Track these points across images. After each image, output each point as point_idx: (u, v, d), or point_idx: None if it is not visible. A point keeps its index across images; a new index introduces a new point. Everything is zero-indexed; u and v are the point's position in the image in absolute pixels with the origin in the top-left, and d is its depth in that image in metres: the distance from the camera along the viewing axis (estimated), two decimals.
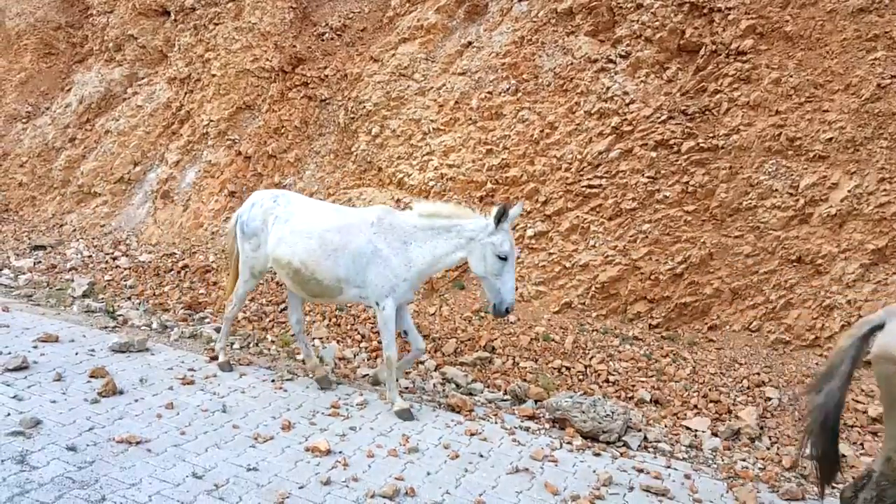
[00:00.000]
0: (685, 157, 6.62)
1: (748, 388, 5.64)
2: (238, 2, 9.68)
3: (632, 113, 6.85)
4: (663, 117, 6.75)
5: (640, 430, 4.95)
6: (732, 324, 6.34)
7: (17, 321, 6.21)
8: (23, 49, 12.06)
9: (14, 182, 10.80)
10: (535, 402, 5.33)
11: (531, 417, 5.07)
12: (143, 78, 10.66)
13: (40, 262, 8.38)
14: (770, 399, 5.49)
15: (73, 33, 12.23)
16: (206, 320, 6.77)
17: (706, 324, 6.41)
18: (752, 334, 6.24)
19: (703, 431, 5.08)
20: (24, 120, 11.49)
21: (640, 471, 4.35)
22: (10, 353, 5.21)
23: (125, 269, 8.09)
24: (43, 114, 11.45)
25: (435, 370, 5.91)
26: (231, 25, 9.56)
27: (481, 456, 4.33)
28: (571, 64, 7.31)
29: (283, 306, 7.06)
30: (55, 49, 12.14)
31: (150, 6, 10.83)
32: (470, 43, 7.98)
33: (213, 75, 9.44)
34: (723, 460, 4.69)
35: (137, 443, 4.05)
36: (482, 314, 6.73)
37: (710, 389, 5.63)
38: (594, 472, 4.23)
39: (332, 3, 9.74)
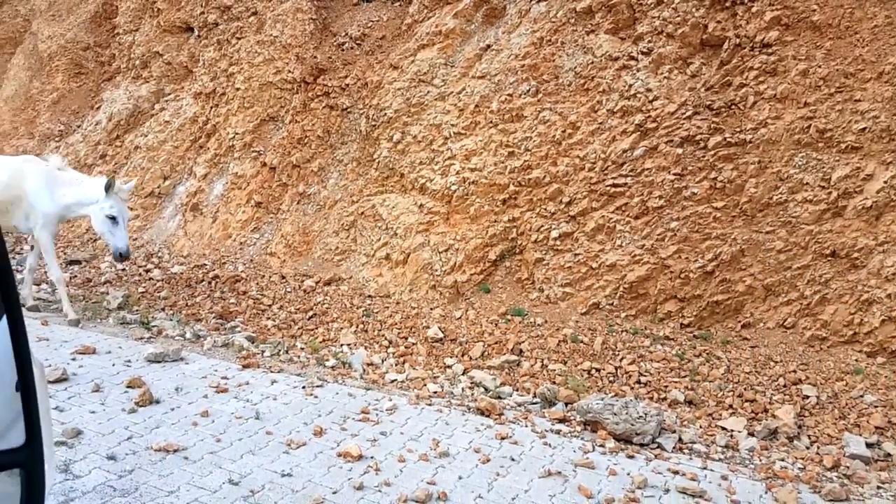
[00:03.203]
0: (712, 152, 6.54)
1: (784, 386, 5.53)
2: (259, 15, 9.81)
3: (655, 110, 6.79)
4: (688, 113, 6.68)
5: (674, 432, 4.88)
6: (766, 321, 6.23)
7: (56, 334, 6.35)
8: (54, 70, 12.36)
9: None
10: (566, 404, 5.29)
11: (562, 420, 5.03)
12: (169, 94, 10.85)
13: (76, 276, 8.55)
14: (808, 397, 5.37)
15: (102, 52, 12.50)
16: (238, 329, 6.85)
17: (739, 322, 6.30)
18: (787, 331, 6.12)
19: (739, 431, 4.99)
20: (56, 139, 11.76)
21: (676, 472, 4.28)
22: (50, 366, 5.32)
23: (158, 280, 8.22)
24: (74, 132, 11.71)
25: (463, 374, 5.91)
26: (253, 39, 9.69)
27: (512, 460, 4.31)
28: (592, 63, 7.26)
29: (310, 314, 7.12)
30: (85, 69, 12.42)
31: (174, 23, 11.03)
32: (489, 46, 7.99)
33: (238, 89, 9.57)
34: (760, 460, 4.60)
35: (175, 451, 4.11)
36: (508, 317, 6.71)
37: (745, 388, 5.54)
38: (628, 474, 4.19)
39: (350, 12, 9.83)
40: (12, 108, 12.51)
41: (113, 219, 6.58)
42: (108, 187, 6.55)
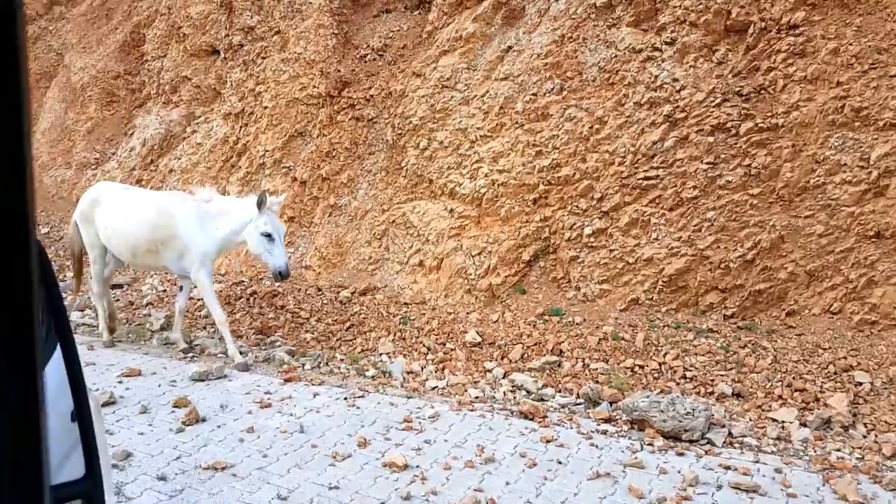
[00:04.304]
0: (744, 139, 6.41)
1: (835, 373, 5.38)
2: (282, 34, 9.94)
3: (683, 99, 6.68)
4: (717, 101, 6.56)
5: (723, 426, 4.78)
6: (812, 307, 6.07)
7: (102, 358, 6.50)
8: (87, 100, 12.69)
9: None
10: (610, 403, 5.22)
11: (608, 420, 4.97)
12: (199, 116, 11.05)
13: (118, 299, 8.75)
14: (861, 384, 5.22)
15: (132, 80, 12.79)
16: (278, 343, 6.92)
17: (784, 310, 6.15)
18: (834, 317, 5.95)
19: (791, 422, 4.87)
20: (93, 167, 12.07)
21: (728, 468, 4.20)
22: (97, 390, 5.45)
23: (198, 300, 8.36)
24: (109, 159, 12.00)
25: (503, 377, 5.88)
26: (278, 58, 9.82)
27: (560, 462, 4.27)
28: (616, 56, 7.19)
29: (348, 325, 7.16)
30: (116, 97, 12.73)
31: (200, 47, 11.24)
32: (510, 47, 7.96)
33: (265, 107, 9.71)
34: (815, 451, 4.48)
35: (223, 468, 4.17)
36: (546, 317, 6.66)
37: (794, 378, 5.40)
38: (679, 472, 4.11)
39: (371, 25, 9.89)
40: (49, 140, 12.88)
41: (269, 236, 6.19)
42: (261, 203, 6.19)
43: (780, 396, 5.24)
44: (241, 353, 6.45)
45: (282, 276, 6.24)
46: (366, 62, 9.55)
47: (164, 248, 6.50)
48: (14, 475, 0.79)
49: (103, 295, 7.16)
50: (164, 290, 8.83)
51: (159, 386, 5.72)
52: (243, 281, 8.65)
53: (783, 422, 4.90)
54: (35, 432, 0.81)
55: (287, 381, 5.81)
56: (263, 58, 10.12)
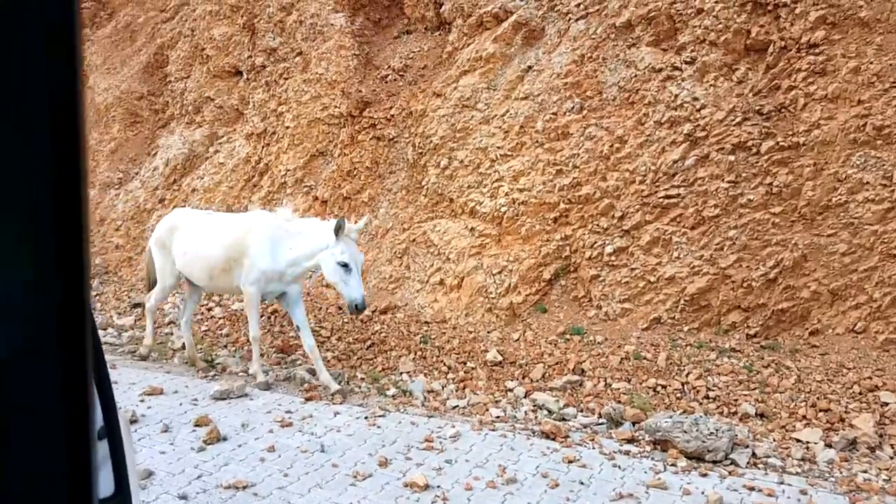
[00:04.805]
0: (765, 157, 6.39)
1: (860, 393, 5.31)
2: (304, 55, 10.10)
3: (704, 118, 6.69)
4: (738, 119, 6.56)
5: (747, 447, 4.73)
6: (835, 327, 6.01)
7: (124, 377, 6.56)
8: (111, 120, 12.93)
9: (111, 245, 11.51)
10: (633, 424, 5.19)
11: (630, 440, 4.93)
12: (222, 136, 11.22)
13: (140, 318, 8.85)
14: (887, 404, 5.14)
15: (155, 101, 13.03)
16: (298, 362, 6.96)
17: (807, 329, 6.09)
18: (858, 336, 5.88)
19: (816, 443, 4.81)
20: (116, 186, 12.27)
21: (752, 489, 4.15)
22: (120, 408, 5.50)
23: (220, 318, 8.44)
24: (133, 179, 12.20)
25: (525, 397, 5.86)
26: (300, 78, 9.97)
27: (582, 483, 4.24)
28: (636, 76, 7.22)
29: (368, 343, 7.19)
30: (140, 117, 12.96)
31: (223, 68, 11.44)
32: (530, 67, 8.02)
33: (287, 127, 9.84)
34: (841, 473, 4.42)
35: (244, 487, 4.19)
36: (567, 336, 6.64)
37: (818, 398, 5.34)
38: (703, 493, 4.07)
39: (392, 46, 10.02)
40: None
41: (345, 266, 5.77)
42: (339, 230, 5.79)
43: (804, 417, 5.18)
44: (263, 371, 6.45)
45: (357, 308, 5.81)
46: (387, 82, 9.66)
47: (237, 265, 6.31)
48: (70, 490, 0.82)
49: (155, 311, 7.39)
50: None
51: (181, 404, 5.77)
52: (264, 300, 8.72)
53: (808, 442, 4.84)
54: (87, 448, 0.84)
55: (308, 399, 5.84)
56: (285, 78, 10.27)
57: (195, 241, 6.57)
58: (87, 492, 0.85)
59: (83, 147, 0.77)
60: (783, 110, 6.46)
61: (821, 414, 5.16)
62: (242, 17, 11.21)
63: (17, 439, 0.77)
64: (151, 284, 7.35)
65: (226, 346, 7.59)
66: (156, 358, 7.43)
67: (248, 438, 5.00)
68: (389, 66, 9.74)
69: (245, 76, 11.12)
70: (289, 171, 9.67)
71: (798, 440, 4.89)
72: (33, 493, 0.79)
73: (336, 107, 9.54)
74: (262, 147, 10.29)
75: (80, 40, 0.75)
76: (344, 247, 5.81)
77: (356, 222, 6.28)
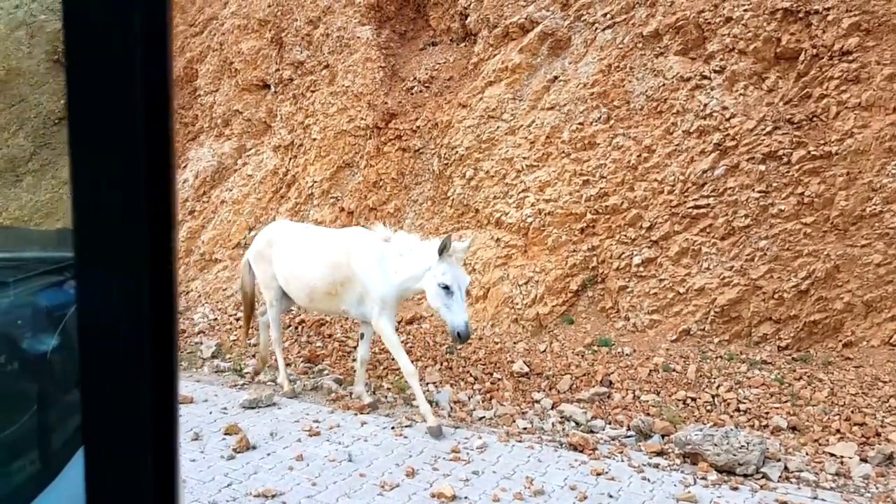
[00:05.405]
0: (797, 167, 6.30)
1: None
2: (331, 68, 10.22)
3: (734, 127, 6.62)
4: (768, 128, 6.48)
5: (779, 460, 4.64)
6: (870, 339, 5.88)
7: None
8: None
9: None
10: (662, 436, 5.12)
11: (659, 453, 4.87)
12: (250, 149, 11.38)
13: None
14: None
15: (185, 114, 13.27)
16: (325, 372, 7.00)
17: (840, 341, 5.97)
18: (894, 348, 5.75)
19: (851, 457, 4.70)
20: None
21: (784, 503, 4.06)
22: None
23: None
24: None
25: (552, 408, 5.82)
26: (327, 91, 10.08)
27: (610, 496, 4.19)
28: (664, 85, 7.18)
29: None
30: None
31: (251, 82, 11.62)
32: (556, 77, 8.02)
33: (314, 139, 9.95)
34: (877, 488, 4.31)
35: (273, 496, 4.21)
36: (595, 348, 6.59)
37: (852, 411, 5.22)
38: None
39: (418, 57, 10.10)
40: None
41: (447, 288, 5.18)
42: (443, 249, 5.20)
43: (837, 430, 5.07)
44: (367, 393, 6.16)
45: (460, 337, 5.14)
46: (412, 94, 9.72)
47: (344, 290, 5.84)
48: (155, 489, 0.84)
49: (281, 341, 6.88)
50: (216, 319, 9.04)
51: (210, 413, 5.83)
52: (291, 310, 8.80)
53: (842, 457, 4.73)
54: (172, 459, 0.85)
55: (338, 407, 5.86)
56: (312, 91, 10.40)
57: (293, 257, 6.22)
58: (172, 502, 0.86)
59: (173, 152, 0.79)
60: (815, 119, 6.37)
61: (855, 428, 5.05)
62: (270, 31, 11.38)
63: (108, 445, 0.79)
64: (248, 301, 7.09)
65: (254, 356, 7.65)
66: (185, 367, 7.52)
67: (276, 447, 5.04)
68: (415, 78, 9.81)
69: (273, 89, 11.28)
70: (316, 182, 9.76)
71: (832, 454, 4.79)
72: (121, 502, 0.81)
73: (362, 119, 9.62)
74: (290, 159, 10.41)
75: (171, 46, 0.78)
76: (446, 267, 5.22)
77: (461, 240, 5.79)
